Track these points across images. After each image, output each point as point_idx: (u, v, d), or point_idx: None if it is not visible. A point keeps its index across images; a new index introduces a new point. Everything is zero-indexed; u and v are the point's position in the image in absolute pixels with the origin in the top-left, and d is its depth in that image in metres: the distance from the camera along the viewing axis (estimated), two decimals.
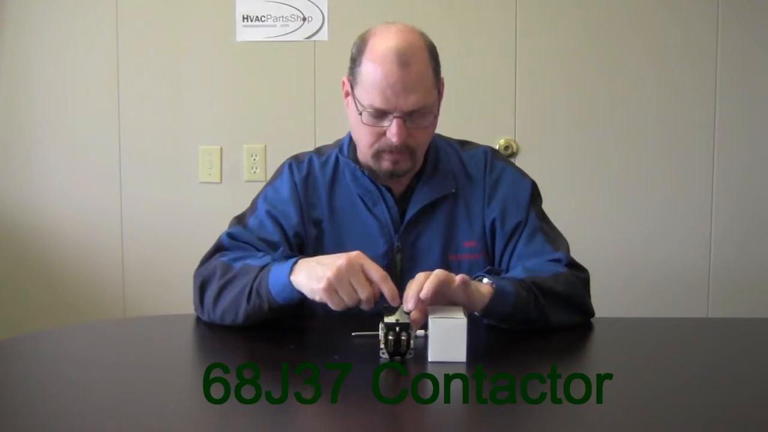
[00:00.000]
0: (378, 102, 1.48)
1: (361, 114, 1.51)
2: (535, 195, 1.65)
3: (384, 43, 1.48)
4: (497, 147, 2.67)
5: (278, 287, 1.38)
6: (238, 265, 1.47)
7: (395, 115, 1.48)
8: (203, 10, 2.71)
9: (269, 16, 2.70)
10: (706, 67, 2.69)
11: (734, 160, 2.71)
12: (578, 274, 1.55)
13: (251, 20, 2.70)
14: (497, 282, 1.41)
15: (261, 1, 2.70)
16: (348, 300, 1.29)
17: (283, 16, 2.70)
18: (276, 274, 1.39)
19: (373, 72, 1.47)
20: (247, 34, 2.70)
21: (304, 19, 2.69)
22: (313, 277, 1.33)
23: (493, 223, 1.61)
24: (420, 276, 1.32)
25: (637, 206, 2.73)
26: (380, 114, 1.49)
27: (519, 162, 2.65)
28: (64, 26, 2.71)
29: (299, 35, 2.70)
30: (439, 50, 1.56)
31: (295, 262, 1.38)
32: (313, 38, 2.69)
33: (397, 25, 1.52)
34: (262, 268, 1.42)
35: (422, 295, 1.28)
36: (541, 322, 1.46)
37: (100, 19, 2.70)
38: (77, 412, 1.12)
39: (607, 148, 2.72)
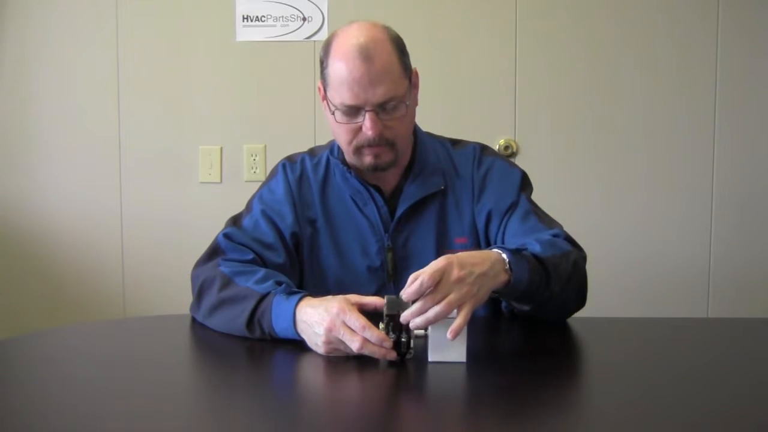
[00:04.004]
0: (348, 99, 1.49)
1: (334, 114, 1.52)
2: (525, 183, 1.66)
3: (346, 41, 1.50)
4: (497, 147, 2.67)
5: (282, 328, 1.39)
6: (239, 282, 1.47)
7: (367, 109, 1.49)
8: (203, 10, 2.71)
9: (269, 16, 2.70)
10: (706, 66, 2.69)
11: (734, 159, 2.71)
12: (581, 253, 1.53)
13: (251, 20, 2.70)
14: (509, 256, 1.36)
15: (261, 1, 2.70)
16: (349, 352, 1.29)
17: (283, 16, 2.70)
18: (279, 316, 1.39)
19: (339, 70, 1.49)
20: (247, 34, 2.70)
21: (304, 19, 2.69)
22: (312, 342, 1.34)
23: (489, 215, 1.60)
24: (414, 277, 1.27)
25: (638, 205, 2.73)
26: (352, 111, 1.50)
27: (519, 162, 2.65)
28: (64, 26, 2.71)
29: (299, 35, 2.70)
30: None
31: (296, 306, 1.37)
32: (313, 38, 2.69)
33: (359, 22, 1.53)
34: (264, 297, 1.42)
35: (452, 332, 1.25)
36: (546, 294, 1.41)
37: (100, 20, 2.70)
38: (77, 411, 1.12)
39: (608, 147, 2.72)
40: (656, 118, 2.71)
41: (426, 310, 1.24)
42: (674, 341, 1.49)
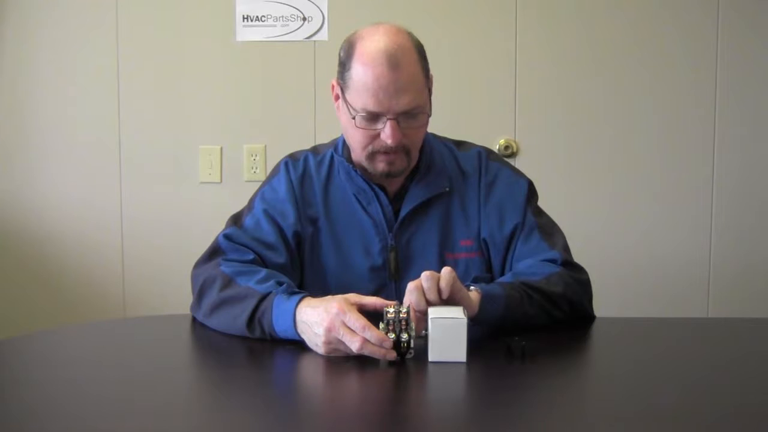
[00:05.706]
0: (371, 105, 1.47)
1: (354, 118, 1.50)
2: (531, 194, 1.65)
3: (373, 46, 1.47)
4: (497, 147, 2.67)
5: (282, 328, 1.39)
6: (241, 282, 1.47)
7: (389, 117, 1.48)
8: (203, 10, 2.71)
9: (269, 16, 2.70)
10: (706, 66, 2.69)
11: (734, 158, 2.71)
12: (574, 274, 1.55)
13: (251, 20, 2.70)
14: (483, 288, 1.42)
15: (261, 1, 2.70)
16: (349, 352, 1.29)
17: (283, 16, 2.70)
18: (280, 316, 1.39)
19: (364, 75, 1.47)
20: (247, 34, 2.70)
21: (304, 19, 2.69)
22: (312, 342, 1.34)
23: (490, 228, 1.60)
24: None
25: (637, 205, 2.73)
26: (374, 117, 1.49)
27: (519, 162, 2.65)
28: (64, 26, 2.71)
29: (299, 35, 2.70)
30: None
31: (296, 307, 1.37)
32: (313, 38, 2.69)
33: (385, 26, 1.51)
34: (265, 297, 1.42)
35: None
36: (542, 318, 1.47)
37: (100, 19, 2.70)
38: (77, 412, 1.12)
39: (607, 147, 2.72)
40: (656, 119, 2.71)
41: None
42: (674, 341, 1.49)
